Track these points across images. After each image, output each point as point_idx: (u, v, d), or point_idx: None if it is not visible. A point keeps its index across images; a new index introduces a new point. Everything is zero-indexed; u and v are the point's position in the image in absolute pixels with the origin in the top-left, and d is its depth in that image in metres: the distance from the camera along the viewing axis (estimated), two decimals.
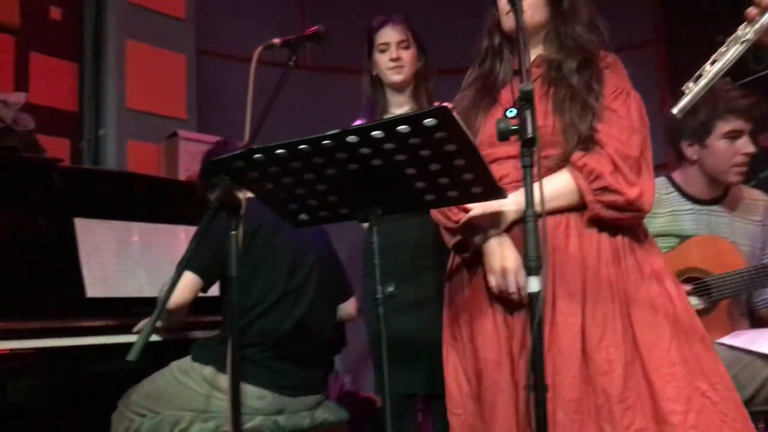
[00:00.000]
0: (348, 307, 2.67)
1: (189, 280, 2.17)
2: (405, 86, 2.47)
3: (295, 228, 1.75)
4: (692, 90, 1.47)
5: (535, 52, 1.79)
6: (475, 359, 1.69)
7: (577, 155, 1.62)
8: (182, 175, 3.51)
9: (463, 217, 1.70)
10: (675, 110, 1.47)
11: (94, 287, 2.54)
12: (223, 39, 4.55)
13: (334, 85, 4.75)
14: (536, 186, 1.33)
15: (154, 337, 2.33)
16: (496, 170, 1.69)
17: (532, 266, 1.25)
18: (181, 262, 2.21)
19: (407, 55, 2.43)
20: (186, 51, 4.01)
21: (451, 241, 1.80)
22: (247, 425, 2.08)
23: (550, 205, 1.51)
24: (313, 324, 2.36)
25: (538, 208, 1.31)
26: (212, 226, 2.27)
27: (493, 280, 1.64)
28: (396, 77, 2.43)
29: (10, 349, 2.13)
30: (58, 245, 2.62)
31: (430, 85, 2.48)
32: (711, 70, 1.47)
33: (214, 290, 2.32)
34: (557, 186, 1.61)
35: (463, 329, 1.75)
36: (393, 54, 2.42)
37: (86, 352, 2.32)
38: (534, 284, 1.24)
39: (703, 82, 1.46)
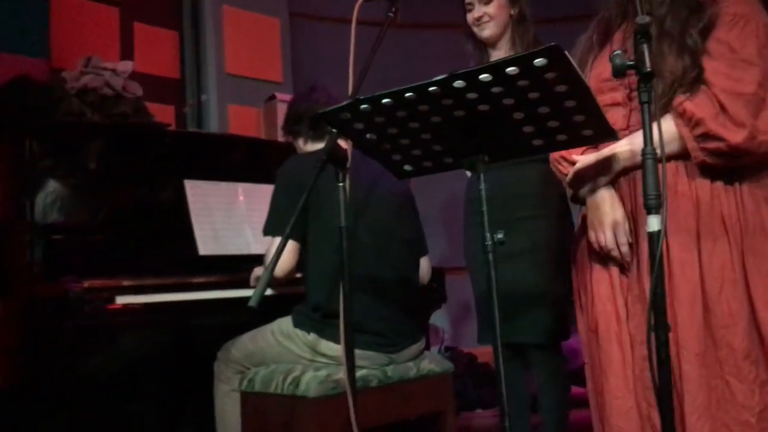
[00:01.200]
0: (422, 265, 2.62)
1: (288, 247, 2.23)
2: (498, 39, 2.44)
3: (399, 179, 1.76)
4: None
5: None
6: (593, 312, 1.66)
7: (678, 99, 1.50)
8: (281, 137, 3.59)
9: (570, 170, 1.67)
10: None
11: (206, 245, 2.66)
12: (313, 1, 4.58)
13: (423, 43, 4.71)
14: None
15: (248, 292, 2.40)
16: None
17: (651, 205, 1.21)
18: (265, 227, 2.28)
19: (491, 9, 2.41)
20: (280, 14, 4.06)
21: (570, 193, 1.77)
22: (357, 374, 2.13)
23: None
24: (405, 279, 2.38)
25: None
26: (277, 189, 2.33)
27: (592, 236, 1.61)
28: (484, 33, 2.43)
29: (124, 304, 2.26)
30: (170, 206, 2.75)
31: (527, 32, 2.42)
32: None
33: None
34: (661, 133, 1.52)
35: (582, 284, 1.74)
36: (476, 13, 2.42)
37: (200, 306, 2.44)
38: (654, 223, 1.20)
39: None
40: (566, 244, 2.16)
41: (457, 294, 3.67)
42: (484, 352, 3.82)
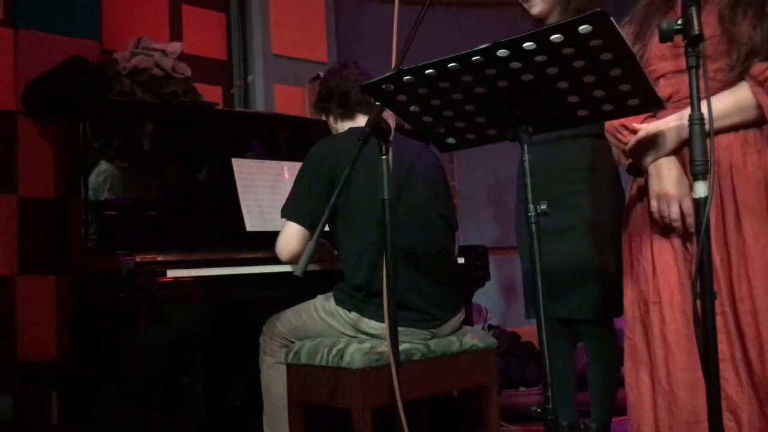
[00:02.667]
0: None
1: (291, 231, 2.28)
2: (548, 14, 2.39)
3: (442, 152, 1.77)
4: None
5: None
6: (655, 283, 1.64)
7: (758, 67, 1.49)
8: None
9: (631, 139, 1.65)
10: None
11: (253, 222, 2.71)
12: None
13: (469, 21, 4.67)
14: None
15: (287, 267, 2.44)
16: (666, 86, 1.62)
17: (698, 171, 1.19)
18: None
19: None
20: None
21: (626, 163, 1.75)
22: (400, 348, 2.15)
23: (727, 122, 1.44)
24: (444, 254, 2.39)
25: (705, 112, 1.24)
26: (302, 170, 2.36)
27: (654, 206, 1.59)
28: (533, 10, 2.36)
29: (174, 278, 2.32)
30: (218, 183, 2.81)
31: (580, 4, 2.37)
32: None
33: None
34: (735, 102, 1.50)
35: (638, 255, 1.71)
36: None
37: (247, 280, 2.48)
38: (701, 189, 1.19)
39: None
40: (617, 219, 2.13)
41: (501, 274, 3.66)
42: (528, 332, 3.81)
